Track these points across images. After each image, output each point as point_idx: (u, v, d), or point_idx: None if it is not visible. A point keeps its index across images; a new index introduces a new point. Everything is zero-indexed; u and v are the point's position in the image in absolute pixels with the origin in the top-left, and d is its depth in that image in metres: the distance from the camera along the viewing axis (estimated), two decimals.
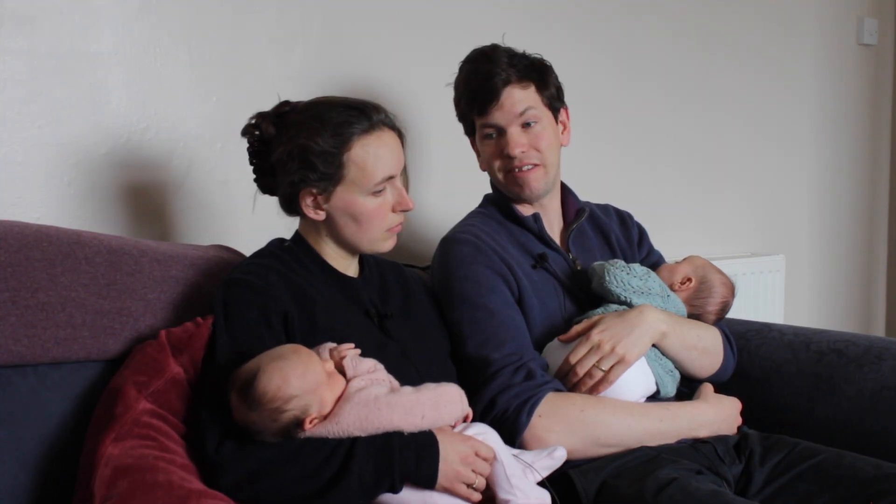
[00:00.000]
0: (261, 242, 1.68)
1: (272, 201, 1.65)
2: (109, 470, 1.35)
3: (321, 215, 1.59)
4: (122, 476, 1.33)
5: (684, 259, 1.95)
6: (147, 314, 1.61)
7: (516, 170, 1.81)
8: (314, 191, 1.57)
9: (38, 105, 1.79)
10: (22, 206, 1.78)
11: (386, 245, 1.63)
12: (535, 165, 1.81)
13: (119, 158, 1.88)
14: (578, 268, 1.88)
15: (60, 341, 1.54)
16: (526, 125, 1.80)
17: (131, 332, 1.60)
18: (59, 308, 1.54)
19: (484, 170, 1.90)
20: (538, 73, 1.83)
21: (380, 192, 1.57)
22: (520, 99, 1.79)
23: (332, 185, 1.56)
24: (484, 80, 1.78)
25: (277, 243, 1.65)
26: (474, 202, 1.97)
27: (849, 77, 3.46)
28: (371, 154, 1.55)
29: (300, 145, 1.55)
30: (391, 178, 1.58)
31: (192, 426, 1.47)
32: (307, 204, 1.58)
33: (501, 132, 1.80)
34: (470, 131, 1.89)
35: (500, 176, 1.83)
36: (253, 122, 1.61)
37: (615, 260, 1.83)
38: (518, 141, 1.79)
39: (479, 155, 1.90)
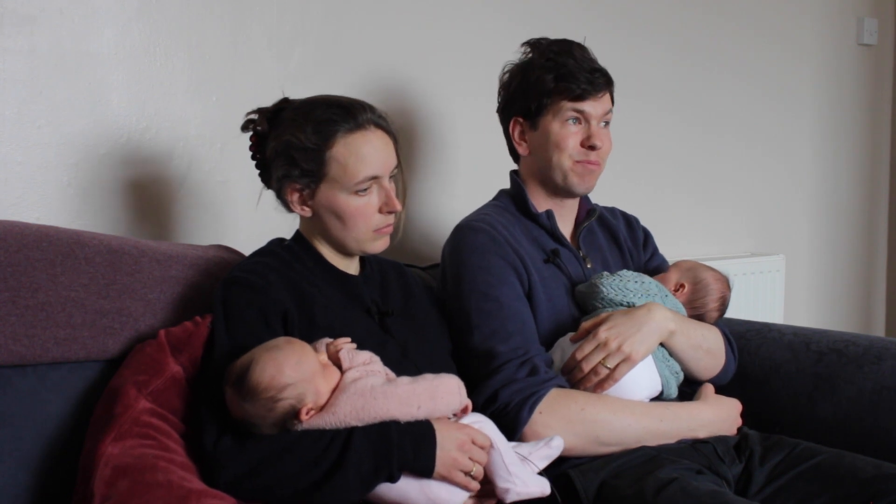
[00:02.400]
0: (260, 242, 1.68)
1: (272, 199, 1.65)
2: (109, 469, 1.35)
3: (307, 211, 1.60)
4: (121, 475, 1.33)
5: (671, 266, 1.95)
6: (147, 314, 1.61)
7: (589, 162, 1.83)
8: (298, 186, 1.58)
9: (38, 105, 1.79)
10: (22, 206, 1.78)
11: (374, 246, 1.62)
12: (598, 164, 1.85)
13: (119, 158, 1.88)
14: (589, 265, 1.89)
15: (60, 341, 1.54)
16: (605, 124, 1.86)
17: (131, 332, 1.60)
18: (59, 308, 1.54)
19: (525, 154, 1.88)
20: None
21: (364, 191, 1.57)
22: (608, 100, 1.86)
23: (315, 182, 1.56)
24: (591, 70, 1.82)
25: (278, 242, 1.66)
26: (478, 202, 1.97)
27: (849, 77, 3.46)
28: (353, 153, 1.55)
29: (285, 141, 1.56)
30: (375, 178, 1.57)
31: (191, 425, 1.47)
32: (293, 200, 1.59)
33: (585, 123, 1.83)
34: (533, 112, 1.84)
35: (568, 162, 1.83)
36: (251, 117, 1.62)
37: (599, 273, 1.84)
38: (602, 136, 1.84)
39: (518, 140, 1.88)
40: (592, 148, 1.82)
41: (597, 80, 1.82)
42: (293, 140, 1.55)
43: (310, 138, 1.54)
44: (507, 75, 1.91)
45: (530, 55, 1.88)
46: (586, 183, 1.85)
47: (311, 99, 1.61)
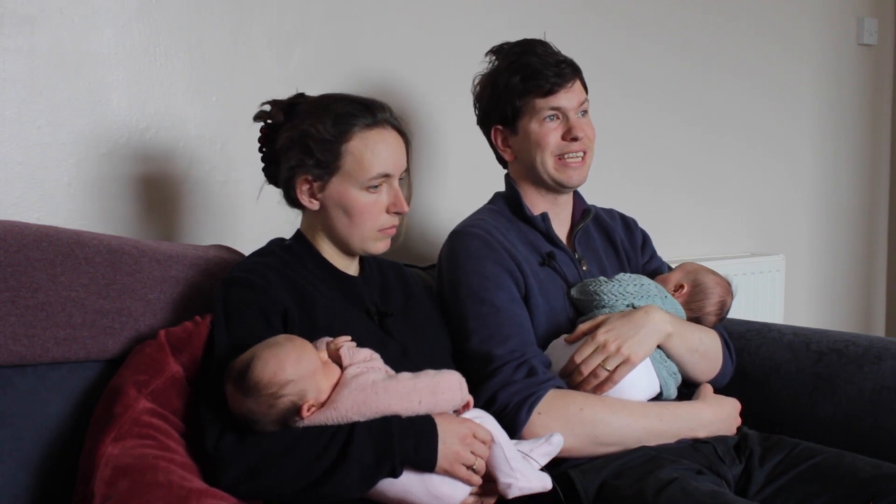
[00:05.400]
0: (261, 242, 1.68)
1: (274, 199, 1.65)
2: (109, 470, 1.35)
3: (315, 204, 1.60)
4: (121, 476, 1.33)
5: (676, 267, 1.95)
6: (147, 314, 1.61)
7: (573, 155, 1.82)
8: (310, 178, 1.58)
9: (38, 105, 1.79)
10: (22, 206, 1.78)
11: (377, 246, 1.63)
12: (584, 156, 1.84)
13: (119, 158, 1.88)
14: (584, 268, 1.89)
15: (60, 341, 1.54)
16: (583, 113, 1.86)
17: (131, 332, 1.60)
18: (59, 308, 1.54)
19: (511, 160, 1.89)
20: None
21: (375, 188, 1.58)
22: (580, 89, 1.86)
23: (328, 174, 1.57)
24: (556, 63, 1.82)
25: (278, 242, 1.66)
26: (476, 202, 1.97)
27: (849, 77, 3.46)
28: (369, 148, 1.57)
29: (302, 131, 1.57)
30: (388, 176, 1.59)
31: (192, 425, 1.47)
32: (303, 191, 1.60)
33: (563, 117, 1.82)
34: (510, 117, 1.85)
35: (550, 160, 1.83)
36: (265, 108, 1.63)
37: (593, 279, 1.84)
38: (583, 125, 1.84)
39: (502, 147, 1.89)
40: (575, 139, 1.82)
41: (564, 71, 1.82)
42: (311, 130, 1.56)
43: (328, 130, 1.56)
44: (478, 87, 1.92)
45: (496, 62, 1.89)
46: (576, 175, 1.84)
47: (329, 94, 1.63)
